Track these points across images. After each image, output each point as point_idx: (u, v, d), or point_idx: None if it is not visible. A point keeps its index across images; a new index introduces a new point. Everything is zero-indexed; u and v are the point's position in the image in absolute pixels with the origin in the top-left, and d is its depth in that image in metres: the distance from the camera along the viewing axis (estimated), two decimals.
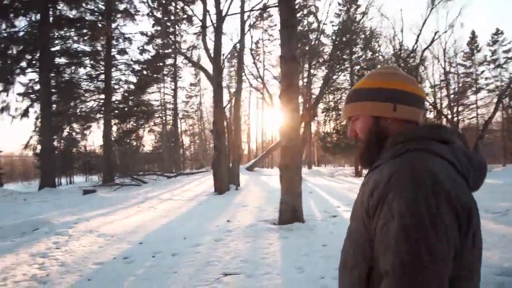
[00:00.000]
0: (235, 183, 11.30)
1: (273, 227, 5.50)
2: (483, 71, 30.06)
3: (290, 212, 5.54)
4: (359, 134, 0.95)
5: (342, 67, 24.02)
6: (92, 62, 16.72)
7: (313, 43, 20.22)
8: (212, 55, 10.68)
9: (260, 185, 13.10)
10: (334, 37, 22.10)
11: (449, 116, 25.09)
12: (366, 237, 0.79)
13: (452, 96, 26.55)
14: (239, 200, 8.96)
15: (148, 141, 33.01)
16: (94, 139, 52.87)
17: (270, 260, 3.98)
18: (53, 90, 15.18)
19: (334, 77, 23.14)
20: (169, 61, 24.23)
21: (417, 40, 19.35)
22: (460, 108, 28.73)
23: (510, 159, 28.16)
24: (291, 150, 5.63)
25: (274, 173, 23.84)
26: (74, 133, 24.02)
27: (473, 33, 30.53)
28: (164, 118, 26.52)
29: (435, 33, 17.62)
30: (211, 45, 10.90)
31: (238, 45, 12.61)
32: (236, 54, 13.38)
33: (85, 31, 15.68)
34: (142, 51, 21.19)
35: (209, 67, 11.15)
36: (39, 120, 14.53)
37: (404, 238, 0.67)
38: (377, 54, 23.37)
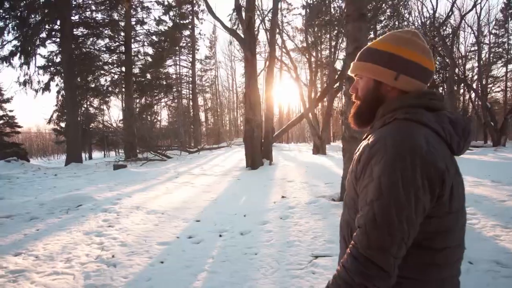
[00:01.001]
0: (267, 158, 10.83)
1: (337, 203, 5.03)
2: None
3: None
4: (359, 93, 0.95)
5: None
6: (111, 33, 15.97)
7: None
8: (244, 20, 9.87)
9: (291, 160, 12.63)
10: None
11: (479, 90, 23.87)
12: (357, 199, 0.84)
13: (478, 67, 25.08)
14: (280, 175, 8.50)
15: (163, 116, 32.75)
16: (111, 114, 53.11)
17: None
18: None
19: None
20: (186, 32, 23.27)
21: (452, 5, 17.89)
22: (490, 80, 27.22)
23: None
24: None
25: (294, 148, 23.35)
26: (91, 108, 23.73)
27: None
28: (180, 92, 25.88)
29: None
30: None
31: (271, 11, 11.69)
32: (269, 20, 12.41)
33: None
34: (159, 21, 20.29)
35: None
36: (61, 94, 14.12)
37: (378, 198, 0.74)
38: (406, 23, 21.86)
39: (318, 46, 21.29)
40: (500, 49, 28.83)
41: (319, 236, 3.67)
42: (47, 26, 12.95)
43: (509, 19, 28.01)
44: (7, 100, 18.94)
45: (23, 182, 8.49)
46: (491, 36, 28.31)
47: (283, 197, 5.76)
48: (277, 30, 15.40)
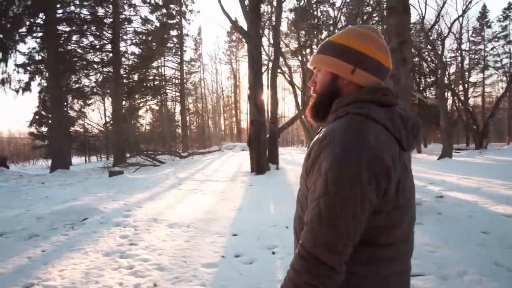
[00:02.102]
0: (273, 162, 10.32)
1: None
2: (492, 48, 29.29)
3: None
4: (317, 86, 0.94)
5: None
6: (96, 31, 14.90)
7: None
8: (250, 16, 9.36)
9: (293, 163, 12.19)
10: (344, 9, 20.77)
11: (461, 94, 24.60)
12: (307, 194, 0.83)
13: (461, 73, 25.87)
14: (295, 179, 8.00)
15: (147, 119, 31.46)
16: (91, 117, 50.45)
17: (438, 255, 3.09)
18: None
19: None
20: (174, 33, 22.45)
21: (440, 11, 18.22)
22: (468, 85, 28.15)
23: None
24: None
25: (293, 152, 22.96)
26: (71, 111, 22.28)
27: (484, 7, 29.59)
28: (166, 94, 24.90)
29: (469, 3, 16.48)
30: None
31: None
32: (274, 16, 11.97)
33: None
34: (146, 21, 19.37)
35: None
36: (42, 94, 12.93)
37: (324, 194, 0.74)
38: None
39: (307, 48, 21.18)
40: (477, 56, 30.00)
41: None
42: (29, 20, 11.78)
43: (485, 27, 29.26)
44: None
45: (7, 192, 7.49)
46: (469, 43, 29.37)
47: None
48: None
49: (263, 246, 3.56)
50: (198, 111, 33.00)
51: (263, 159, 9.62)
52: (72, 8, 13.59)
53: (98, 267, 3.15)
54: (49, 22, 11.65)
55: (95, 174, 11.07)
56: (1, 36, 10.86)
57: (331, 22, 21.67)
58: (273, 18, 12.58)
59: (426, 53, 23.61)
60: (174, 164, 13.76)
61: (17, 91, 12.77)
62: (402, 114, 0.85)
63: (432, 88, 26.89)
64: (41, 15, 11.85)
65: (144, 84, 17.98)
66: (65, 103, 20.00)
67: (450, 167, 10.54)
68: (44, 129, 25.15)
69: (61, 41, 13.26)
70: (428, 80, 26.77)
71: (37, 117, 24.84)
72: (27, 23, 11.74)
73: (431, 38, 19.51)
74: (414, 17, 19.36)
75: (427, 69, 25.13)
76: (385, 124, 0.80)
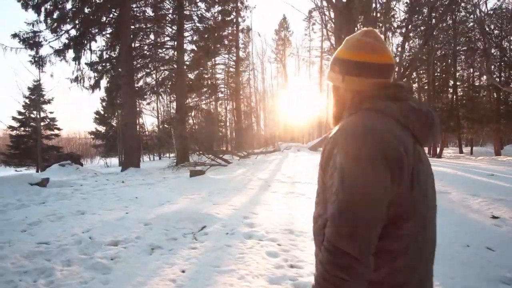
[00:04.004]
0: None
1: None
2: None
3: None
4: (332, 97, 1.01)
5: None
6: (159, 29, 14.68)
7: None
8: None
9: None
10: None
11: None
12: (325, 189, 0.85)
13: None
14: None
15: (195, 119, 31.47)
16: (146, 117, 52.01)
17: None
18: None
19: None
20: (229, 30, 21.96)
21: None
22: None
23: None
24: None
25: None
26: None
27: None
28: (219, 94, 24.53)
29: None
30: None
31: None
32: None
33: None
34: (201, 19, 19.05)
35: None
36: (113, 93, 12.86)
37: (341, 185, 0.75)
38: (471, 16, 19.76)
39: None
40: None
41: None
42: (106, 16, 11.67)
43: None
44: (48, 101, 18.05)
45: (92, 191, 7.07)
46: None
47: (494, 217, 4.05)
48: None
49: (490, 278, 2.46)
50: (250, 111, 32.45)
51: None
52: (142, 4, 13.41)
53: None
54: (123, 18, 11.46)
55: (169, 173, 10.62)
56: (79, 32, 10.84)
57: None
58: None
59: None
60: (241, 164, 13.01)
61: (88, 89, 12.88)
62: (415, 107, 0.85)
63: None
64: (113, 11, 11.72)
65: (203, 82, 17.58)
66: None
67: None
68: (100, 128, 26.12)
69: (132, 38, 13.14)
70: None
71: (97, 116, 25.86)
72: (104, 19, 11.62)
73: None
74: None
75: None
76: (397, 117, 0.82)
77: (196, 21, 17.00)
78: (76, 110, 77.86)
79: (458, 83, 21.59)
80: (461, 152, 22.54)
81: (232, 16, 21.56)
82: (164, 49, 15.42)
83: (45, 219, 4.84)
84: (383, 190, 0.73)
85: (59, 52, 11.47)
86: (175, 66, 14.43)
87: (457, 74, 21.74)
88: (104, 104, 24.63)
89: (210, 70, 20.20)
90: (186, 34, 16.83)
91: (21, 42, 11.12)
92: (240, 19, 22.52)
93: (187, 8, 15.37)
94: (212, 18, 19.51)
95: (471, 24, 19.19)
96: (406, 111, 0.83)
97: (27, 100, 18.93)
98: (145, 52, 14.56)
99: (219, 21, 19.01)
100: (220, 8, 19.99)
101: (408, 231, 0.79)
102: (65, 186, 7.85)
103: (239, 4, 21.73)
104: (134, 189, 7.30)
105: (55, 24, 11.29)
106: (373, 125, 0.77)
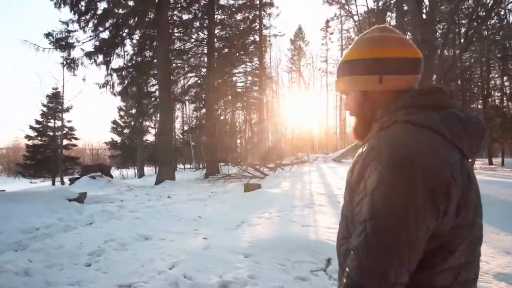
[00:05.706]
0: None
1: None
2: None
3: None
4: (351, 108, 0.87)
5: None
6: (189, 35, 14.04)
7: None
8: None
9: None
10: None
11: None
12: (353, 211, 0.73)
13: None
14: None
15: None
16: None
17: None
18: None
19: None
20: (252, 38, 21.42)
21: None
22: None
23: None
24: None
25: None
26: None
27: None
28: (241, 102, 23.81)
29: None
30: None
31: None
32: None
33: None
34: (223, 25, 18.56)
35: None
36: (146, 101, 12.07)
37: (372, 217, 0.64)
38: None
39: None
40: None
41: None
42: (141, 18, 10.93)
43: None
44: (67, 110, 17.30)
45: (141, 209, 6.14)
46: None
47: None
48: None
49: None
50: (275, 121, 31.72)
51: None
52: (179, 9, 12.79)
53: None
54: (161, 18, 10.76)
55: (207, 186, 9.68)
56: (113, 33, 10.11)
57: None
58: None
59: None
60: (278, 176, 12.08)
61: (116, 94, 12.13)
62: (461, 116, 0.71)
63: None
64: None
65: (226, 89, 16.89)
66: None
67: None
68: (116, 138, 25.32)
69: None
70: None
71: (113, 125, 25.06)
72: (140, 20, 10.87)
73: None
74: None
75: None
76: (441, 131, 0.69)
77: (218, 29, 16.53)
78: (88, 119, 77.46)
79: (491, 91, 20.77)
80: (490, 163, 21.45)
81: (255, 23, 21.07)
82: (189, 55, 14.74)
83: (105, 246, 3.96)
84: (424, 230, 0.62)
85: (90, 55, 10.75)
86: (202, 73, 13.70)
87: (490, 83, 20.96)
88: (121, 113, 23.93)
89: (235, 79, 19.48)
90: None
91: (51, 43, 10.39)
92: (263, 27, 21.99)
93: (217, 12, 14.74)
94: (234, 25, 19.04)
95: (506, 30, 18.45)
96: (450, 122, 0.69)
97: (44, 109, 18.24)
98: (172, 58, 13.88)
99: (245, 28, 18.50)
100: (243, 15, 19.56)
101: (454, 263, 0.67)
102: (104, 201, 6.93)
103: (262, 12, 21.27)
104: (187, 206, 6.40)
105: (92, 24, 10.61)
106: (416, 146, 0.64)
